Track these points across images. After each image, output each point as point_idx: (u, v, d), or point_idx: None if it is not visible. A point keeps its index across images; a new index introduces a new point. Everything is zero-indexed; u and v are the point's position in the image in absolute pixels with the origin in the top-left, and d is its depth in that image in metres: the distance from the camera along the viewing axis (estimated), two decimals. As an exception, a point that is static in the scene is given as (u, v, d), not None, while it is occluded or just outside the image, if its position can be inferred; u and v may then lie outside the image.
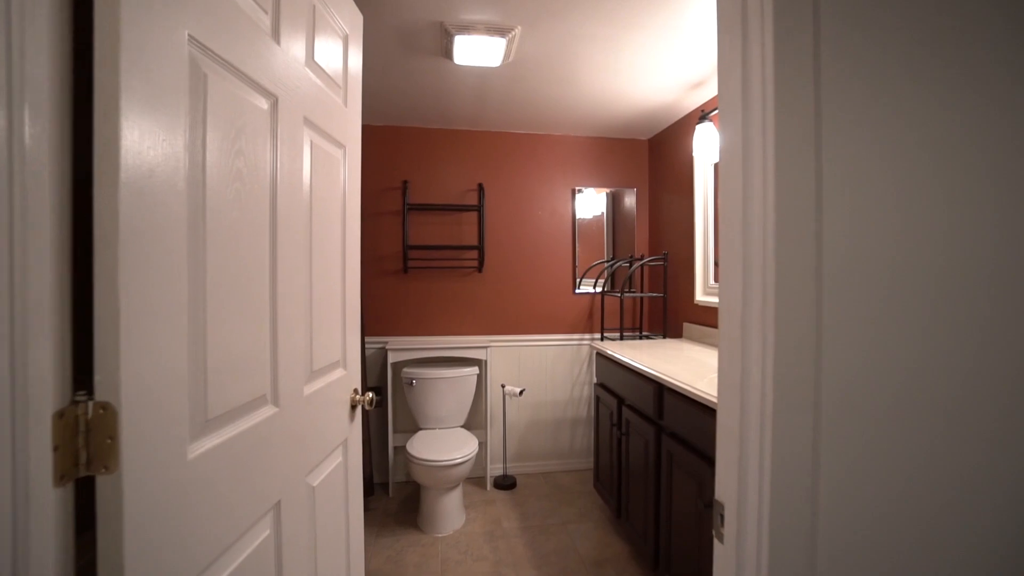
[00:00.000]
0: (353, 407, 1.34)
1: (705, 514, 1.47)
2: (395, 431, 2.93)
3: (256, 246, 0.85)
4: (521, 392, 2.80)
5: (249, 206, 0.82)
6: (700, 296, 2.48)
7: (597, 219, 3.16)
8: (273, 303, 0.90)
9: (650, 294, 2.86)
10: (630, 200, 3.17)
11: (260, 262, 0.86)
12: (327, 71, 1.16)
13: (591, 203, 3.14)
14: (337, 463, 1.23)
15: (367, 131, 2.91)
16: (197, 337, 0.68)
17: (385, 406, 2.86)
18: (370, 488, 2.66)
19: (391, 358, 2.75)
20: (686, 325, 2.65)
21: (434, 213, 2.97)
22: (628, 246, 3.17)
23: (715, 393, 1.59)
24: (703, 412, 1.49)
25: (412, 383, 2.73)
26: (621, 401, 2.19)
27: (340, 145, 1.27)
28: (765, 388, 0.60)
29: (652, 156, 3.15)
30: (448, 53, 1.96)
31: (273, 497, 0.90)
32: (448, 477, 2.31)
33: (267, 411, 0.89)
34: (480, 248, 2.95)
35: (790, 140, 0.60)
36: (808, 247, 0.60)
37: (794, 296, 0.60)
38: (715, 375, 1.77)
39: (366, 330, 2.89)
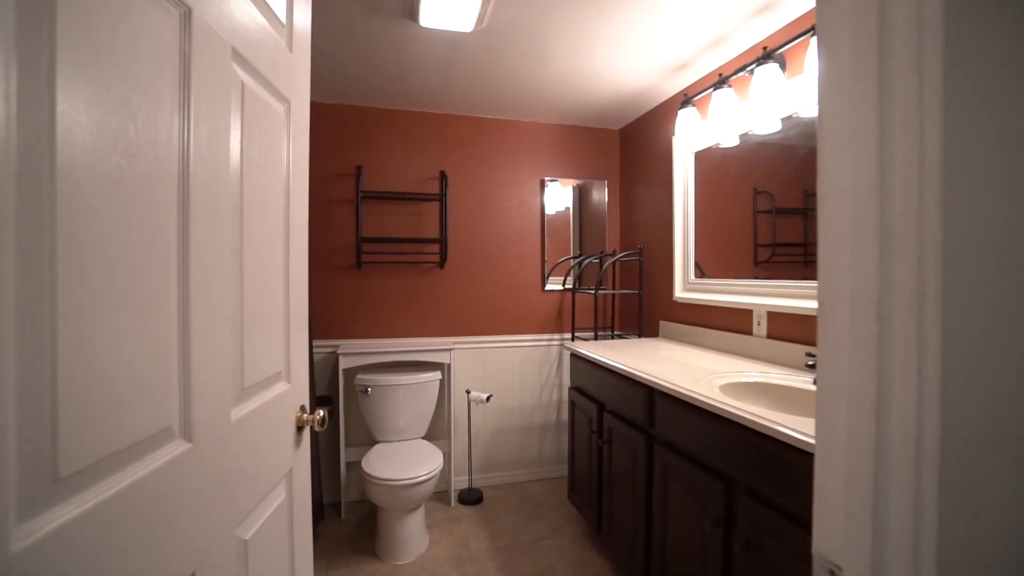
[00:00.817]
0: (300, 428, 1.08)
1: (712, 533, 1.31)
2: (348, 445, 2.62)
3: (154, 232, 0.58)
4: (488, 398, 2.58)
5: (140, 172, 0.55)
6: (679, 293, 2.35)
7: (563, 214, 2.98)
8: (183, 303, 0.64)
9: (624, 291, 2.72)
10: (599, 194, 3.02)
11: (161, 251, 0.60)
12: (266, -3, 0.90)
13: (557, 197, 2.96)
14: (279, 502, 0.97)
15: (316, 109, 2.59)
16: (34, 352, 0.41)
17: (336, 417, 2.55)
18: (320, 511, 2.35)
19: (343, 363, 2.45)
20: (663, 323, 2.52)
21: (391, 203, 2.69)
22: (597, 242, 3.02)
23: (722, 399, 1.41)
24: (708, 420, 1.33)
25: (367, 391, 2.45)
26: (602, 407, 2.02)
27: (283, 99, 1.00)
28: (924, 410, 0.42)
29: (624, 147, 3.02)
30: (413, 13, 1.71)
31: (184, 569, 0.64)
32: (410, 497, 2.06)
33: (175, 448, 0.63)
34: (442, 241, 2.71)
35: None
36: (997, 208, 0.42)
37: (971, 279, 0.42)
38: (713, 377, 1.63)
39: (314, 332, 2.57)
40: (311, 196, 2.58)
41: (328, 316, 2.62)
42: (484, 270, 2.84)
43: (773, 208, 1.87)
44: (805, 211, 1.72)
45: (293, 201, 1.05)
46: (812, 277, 1.66)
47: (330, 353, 2.60)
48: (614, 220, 3.06)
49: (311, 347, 2.45)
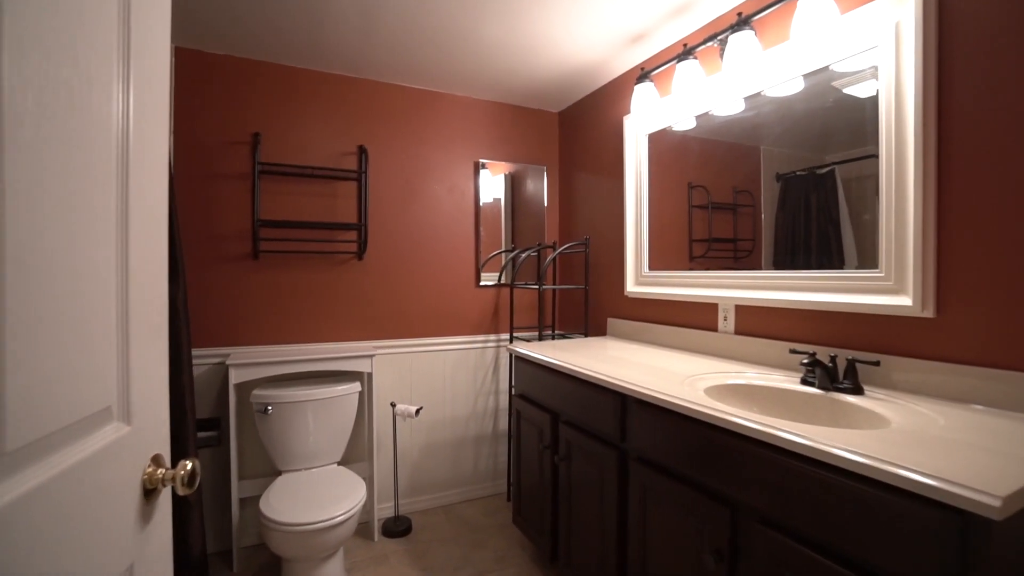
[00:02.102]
0: (150, 493, 0.68)
1: (716, 569, 1.09)
2: (242, 478, 2.12)
3: None
4: (418, 411, 2.22)
5: None
6: (632, 287, 2.17)
7: (493, 205, 2.69)
8: None
9: (570, 286, 2.50)
10: (534, 183, 2.78)
11: None
12: None
13: (488, 186, 2.67)
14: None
15: (200, 60, 2.06)
16: None
17: (225, 445, 2.04)
18: (203, 567, 1.85)
19: (234, 377, 1.95)
20: (612, 321, 2.32)
21: (298, 180, 2.23)
22: (534, 234, 2.77)
23: (722, 407, 1.21)
24: (703, 433, 1.11)
25: (267, 410, 1.97)
26: (556, 417, 1.76)
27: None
28: None
29: (564, 131, 2.80)
30: (328, -77, 1.32)
31: None
32: (324, 543, 1.65)
33: None
34: (361, 228, 2.29)
35: None
36: None
37: None
38: (693, 380, 1.38)
39: (194, 339, 2.04)
40: (192, 166, 2.05)
41: (215, 319, 2.09)
42: (411, 262, 2.47)
43: (709, 202, 1.73)
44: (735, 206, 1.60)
45: (137, 170, 0.65)
46: (787, 267, 1.53)
47: (217, 364, 2.08)
48: (553, 210, 2.84)
49: (189, 358, 1.93)
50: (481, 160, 2.62)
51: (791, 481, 0.92)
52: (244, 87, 2.14)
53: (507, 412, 2.68)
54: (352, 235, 2.32)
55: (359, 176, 2.30)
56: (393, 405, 2.28)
